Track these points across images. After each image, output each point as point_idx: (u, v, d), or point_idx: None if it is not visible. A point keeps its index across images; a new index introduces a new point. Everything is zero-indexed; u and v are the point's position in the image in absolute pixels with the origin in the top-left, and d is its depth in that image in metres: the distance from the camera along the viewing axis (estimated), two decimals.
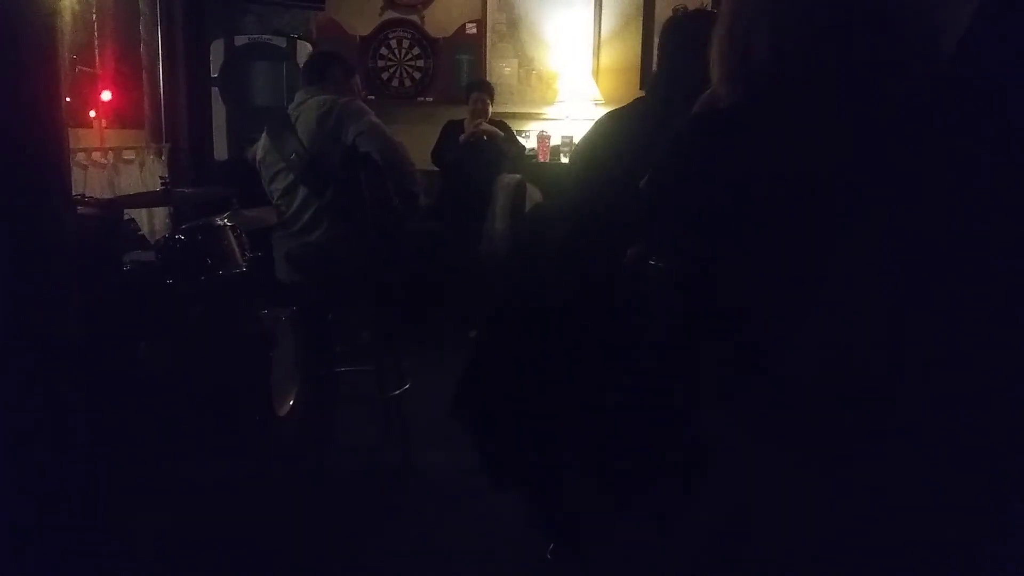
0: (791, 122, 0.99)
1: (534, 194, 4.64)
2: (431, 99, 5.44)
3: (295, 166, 2.99)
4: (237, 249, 3.17)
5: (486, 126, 4.79)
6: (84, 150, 3.73)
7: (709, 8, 5.16)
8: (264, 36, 5.45)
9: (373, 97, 3.13)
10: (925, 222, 0.88)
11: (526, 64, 5.48)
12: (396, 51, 5.44)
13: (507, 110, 5.34)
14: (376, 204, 3.03)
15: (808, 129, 0.97)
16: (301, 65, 3.38)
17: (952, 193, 0.88)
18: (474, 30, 5.44)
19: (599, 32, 5.40)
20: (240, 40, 5.36)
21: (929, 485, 0.89)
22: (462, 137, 4.78)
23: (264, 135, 3.14)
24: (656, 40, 2.14)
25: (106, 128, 4.02)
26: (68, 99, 3.47)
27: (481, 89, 4.92)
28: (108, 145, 4.00)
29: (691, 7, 5.25)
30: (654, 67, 2.14)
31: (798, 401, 0.94)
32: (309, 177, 2.97)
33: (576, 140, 5.13)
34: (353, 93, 3.21)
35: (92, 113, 3.95)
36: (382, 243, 3.03)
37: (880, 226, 0.90)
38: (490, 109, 4.91)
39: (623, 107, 2.15)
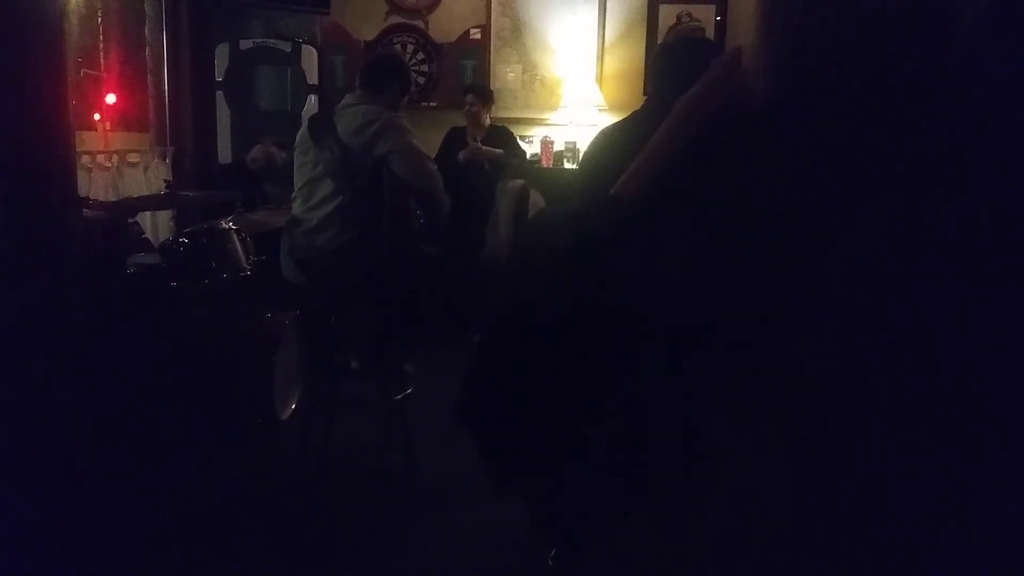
0: (833, 123, 0.93)
1: (537, 199, 4.64)
2: (435, 104, 5.45)
3: (328, 162, 3.03)
4: (241, 252, 3.18)
5: (486, 149, 4.73)
6: (88, 153, 3.75)
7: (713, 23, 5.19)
8: (269, 40, 5.46)
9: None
10: (929, 223, 0.88)
11: (530, 69, 5.49)
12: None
13: (511, 115, 5.35)
14: (395, 214, 3.07)
15: (846, 131, 0.92)
16: (362, 66, 3.51)
17: (959, 198, 0.88)
18: (478, 35, 5.45)
19: (603, 38, 5.41)
20: (245, 44, 5.37)
21: (931, 487, 0.89)
22: (461, 155, 4.72)
23: (304, 128, 3.19)
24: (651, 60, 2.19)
25: (110, 131, 4.04)
26: (73, 102, 3.48)
27: (473, 92, 4.86)
28: (112, 148, 4.01)
29: (695, 14, 5.27)
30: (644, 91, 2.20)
31: (802, 404, 0.94)
32: (339, 173, 3.02)
33: (579, 146, 5.13)
34: (399, 108, 3.26)
35: (97, 116, 3.96)
36: (393, 252, 3.05)
37: (889, 226, 0.89)
38: (484, 114, 4.84)
39: (625, 118, 2.16)
